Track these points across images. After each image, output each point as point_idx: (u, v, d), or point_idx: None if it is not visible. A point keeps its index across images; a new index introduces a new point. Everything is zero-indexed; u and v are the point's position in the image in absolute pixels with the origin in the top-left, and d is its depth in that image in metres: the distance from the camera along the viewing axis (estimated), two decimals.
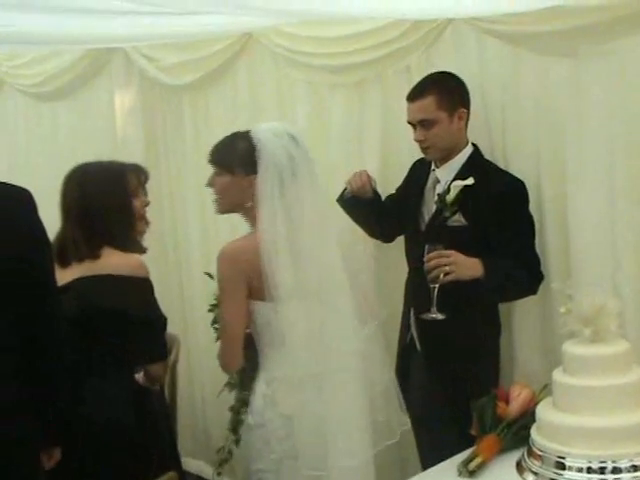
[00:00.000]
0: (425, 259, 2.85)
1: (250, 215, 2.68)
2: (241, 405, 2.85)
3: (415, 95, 3.05)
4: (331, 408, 2.58)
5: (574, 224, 2.93)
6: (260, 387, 2.64)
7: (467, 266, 2.86)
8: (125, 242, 2.85)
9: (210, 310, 2.94)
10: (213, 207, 2.81)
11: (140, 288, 2.80)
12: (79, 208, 2.84)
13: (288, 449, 2.56)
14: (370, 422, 2.64)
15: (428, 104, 3.01)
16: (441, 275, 2.82)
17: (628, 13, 2.59)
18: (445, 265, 2.81)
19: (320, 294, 2.60)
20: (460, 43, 3.24)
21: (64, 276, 2.77)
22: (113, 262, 2.78)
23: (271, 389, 2.61)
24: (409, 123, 3.10)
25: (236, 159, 2.66)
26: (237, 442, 2.88)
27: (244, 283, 2.59)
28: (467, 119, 3.09)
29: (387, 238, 3.42)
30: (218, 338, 2.74)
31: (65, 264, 2.80)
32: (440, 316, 2.86)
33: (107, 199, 2.85)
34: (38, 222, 2.36)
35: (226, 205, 2.75)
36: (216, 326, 2.78)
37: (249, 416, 2.66)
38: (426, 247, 2.87)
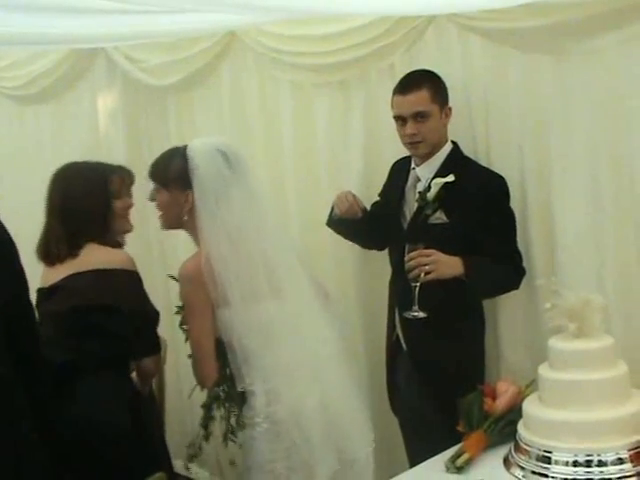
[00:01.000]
0: (406, 258, 2.86)
1: (193, 231, 2.76)
2: (212, 401, 2.86)
3: (410, 87, 3.03)
4: (330, 393, 2.74)
5: (559, 221, 2.95)
6: (258, 386, 2.68)
7: (448, 264, 2.87)
8: (113, 240, 2.90)
9: (177, 312, 2.98)
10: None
11: (131, 281, 2.81)
12: (62, 206, 2.85)
13: (298, 436, 2.67)
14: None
15: (424, 96, 3.01)
16: (422, 274, 2.83)
17: (609, 10, 2.61)
18: (426, 264, 2.83)
19: (283, 290, 2.71)
20: (443, 41, 3.24)
21: (52, 275, 2.80)
22: (102, 257, 2.79)
23: (271, 384, 2.69)
24: (398, 118, 3.07)
25: (172, 175, 2.74)
26: (207, 437, 2.91)
27: (207, 298, 2.65)
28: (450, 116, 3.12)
29: (380, 247, 3.40)
30: (187, 339, 2.77)
31: (52, 263, 2.82)
32: (421, 314, 2.87)
33: (88, 198, 2.87)
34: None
35: (168, 220, 2.83)
36: (184, 327, 2.81)
37: (252, 415, 2.70)
38: (407, 246, 2.88)
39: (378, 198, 3.40)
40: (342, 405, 2.75)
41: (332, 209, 3.32)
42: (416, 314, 2.88)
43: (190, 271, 2.68)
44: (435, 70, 3.11)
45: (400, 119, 3.06)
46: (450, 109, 3.08)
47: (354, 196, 3.24)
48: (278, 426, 2.68)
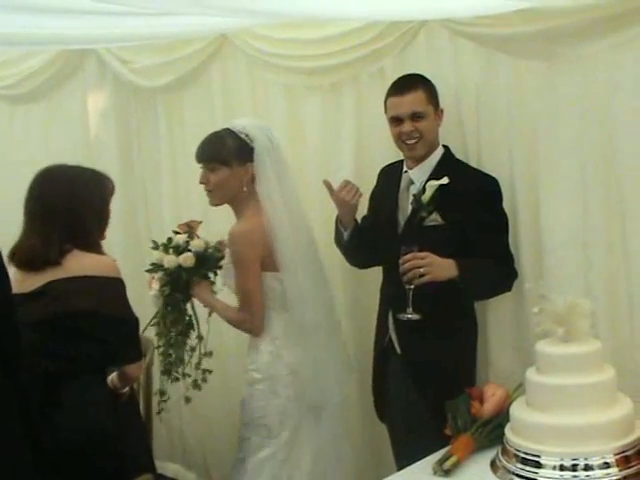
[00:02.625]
0: (400, 261, 2.87)
1: (241, 203, 3.09)
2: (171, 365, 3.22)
3: (407, 88, 3.07)
4: (324, 354, 3.14)
5: (547, 225, 2.96)
6: (266, 346, 3.08)
7: (442, 267, 2.87)
8: (96, 246, 2.87)
9: (148, 270, 3.24)
10: (208, 200, 3.18)
11: (115, 288, 2.80)
12: (56, 210, 2.80)
13: (292, 393, 3.07)
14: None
15: (420, 97, 3.05)
16: (417, 276, 2.84)
17: (600, 16, 2.63)
18: (420, 267, 2.83)
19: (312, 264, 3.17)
20: (434, 45, 3.26)
21: (32, 281, 2.76)
22: (86, 263, 2.77)
23: (275, 346, 3.08)
24: (394, 119, 3.08)
25: (231, 152, 3.05)
26: (173, 380, 3.25)
27: (258, 258, 3.03)
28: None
29: (363, 265, 3.42)
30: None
31: (35, 268, 2.77)
32: (415, 316, 2.89)
33: (93, 203, 2.87)
34: None
35: (223, 197, 3.13)
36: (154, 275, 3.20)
37: (254, 373, 3.10)
38: (402, 249, 2.88)
39: (367, 212, 3.38)
40: (329, 361, 3.16)
41: (336, 224, 3.31)
42: (410, 316, 2.89)
43: (246, 232, 3.03)
44: (426, 74, 3.13)
45: (396, 120, 3.08)
46: (442, 111, 3.11)
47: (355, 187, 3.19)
48: (276, 384, 3.06)
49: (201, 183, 3.13)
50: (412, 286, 2.85)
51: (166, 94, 4.22)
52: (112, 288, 2.79)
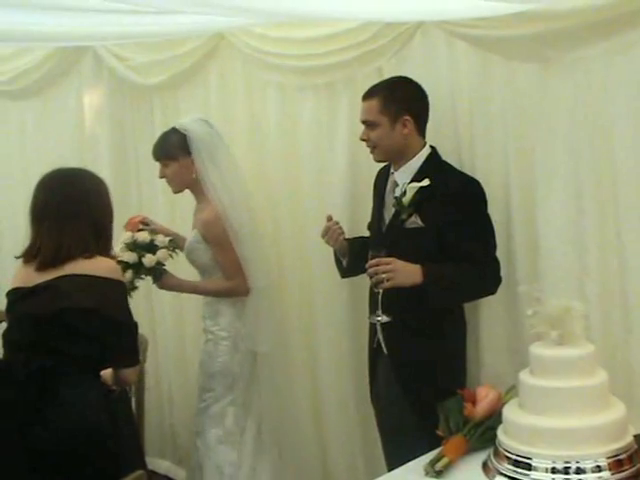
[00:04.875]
0: (366, 266, 2.89)
1: (196, 187, 3.61)
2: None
3: (364, 96, 3.12)
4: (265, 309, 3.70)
5: (542, 228, 2.96)
6: (228, 308, 3.62)
7: (406, 273, 2.87)
8: (109, 249, 2.92)
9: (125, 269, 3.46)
10: (169, 189, 3.69)
11: (117, 291, 2.82)
12: (73, 212, 2.81)
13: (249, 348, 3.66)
14: None
15: (372, 106, 3.07)
16: (381, 281, 2.85)
17: (599, 20, 2.63)
18: (384, 272, 2.85)
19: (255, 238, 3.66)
20: (430, 46, 3.26)
21: (35, 276, 2.78)
22: (90, 263, 2.78)
23: (235, 307, 3.64)
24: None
25: (176, 147, 3.56)
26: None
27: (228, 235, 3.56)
28: (418, 126, 3.09)
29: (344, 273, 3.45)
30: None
31: (42, 267, 2.78)
32: (385, 319, 2.91)
33: (108, 207, 2.92)
34: None
35: (180, 185, 3.65)
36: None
37: (220, 332, 3.62)
38: (369, 253, 2.90)
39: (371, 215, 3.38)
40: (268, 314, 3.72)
41: (338, 261, 3.37)
42: (379, 319, 2.92)
43: (215, 216, 3.53)
44: (421, 75, 3.13)
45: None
46: (409, 120, 3.05)
47: (336, 223, 3.28)
48: (237, 339, 3.62)
49: (161, 177, 3.65)
50: (380, 290, 2.87)
51: (162, 92, 4.22)
52: (113, 289, 2.80)
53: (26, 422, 2.48)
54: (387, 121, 3.05)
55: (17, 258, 2.89)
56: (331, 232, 3.27)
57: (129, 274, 3.49)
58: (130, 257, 3.50)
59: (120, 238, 3.51)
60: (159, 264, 3.56)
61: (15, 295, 2.85)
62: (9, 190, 4.80)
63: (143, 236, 3.57)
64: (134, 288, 3.53)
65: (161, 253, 3.56)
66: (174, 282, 3.66)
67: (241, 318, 3.65)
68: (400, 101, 3.06)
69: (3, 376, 2.35)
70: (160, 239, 3.60)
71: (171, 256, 3.61)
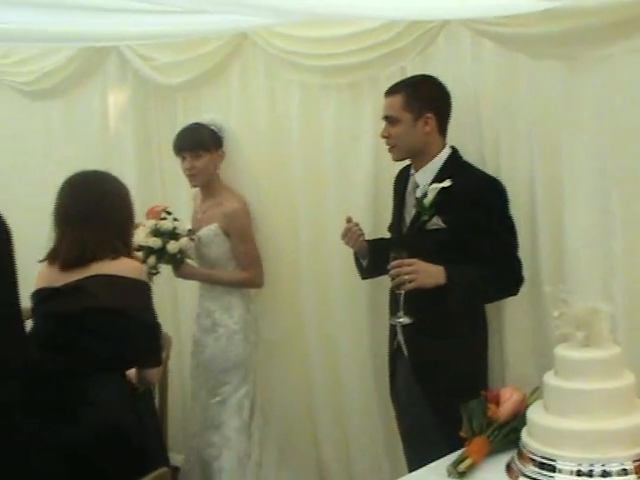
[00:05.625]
0: (388, 267, 2.88)
1: (214, 182, 3.72)
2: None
3: (388, 92, 3.11)
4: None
5: (567, 227, 2.94)
6: (238, 301, 3.74)
7: (428, 274, 2.87)
8: (130, 251, 2.95)
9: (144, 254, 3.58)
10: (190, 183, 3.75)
11: (142, 292, 2.85)
12: (98, 214, 2.83)
13: (257, 337, 3.81)
14: None
15: (395, 102, 3.06)
16: (403, 283, 2.84)
17: (624, 17, 2.60)
18: (406, 273, 2.84)
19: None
20: (455, 45, 3.25)
21: (62, 276, 2.80)
22: (116, 264, 2.80)
23: (245, 300, 3.76)
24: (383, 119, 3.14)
25: (209, 140, 3.66)
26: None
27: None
28: (440, 125, 3.08)
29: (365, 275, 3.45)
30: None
31: (68, 267, 2.80)
32: (407, 320, 2.90)
33: (130, 209, 2.95)
34: None
35: (204, 179, 3.71)
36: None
37: (234, 326, 3.71)
38: (391, 255, 2.89)
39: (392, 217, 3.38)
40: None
41: (357, 262, 3.37)
42: (401, 320, 2.91)
43: (240, 208, 3.67)
44: (446, 75, 3.12)
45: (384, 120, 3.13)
46: (431, 118, 3.04)
47: (356, 224, 3.27)
48: (248, 332, 3.74)
49: (187, 170, 3.68)
50: (402, 292, 2.86)
51: (185, 91, 4.23)
52: (139, 290, 2.83)
53: (54, 421, 2.49)
54: (409, 118, 3.03)
55: (40, 262, 2.91)
56: (351, 233, 3.26)
57: (152, 260, 3.59)
58: (155, 243, 3.60)
59: (142, 226, 3.57)
60: (181, 252, 3.64)
61: (40, 295, 2.86)
62: (34, 191, 4.82)
63: (166, 224, 3.66)
64: (157, 273, 3.64)
65: (184, 240, 3.65)
66: (191, 271, 3.77)
67: (250, 310, 3.78)
68: (424, 98, 3.05)
69: (33, 376, 2.36)
70: (182, 227, 3.69)
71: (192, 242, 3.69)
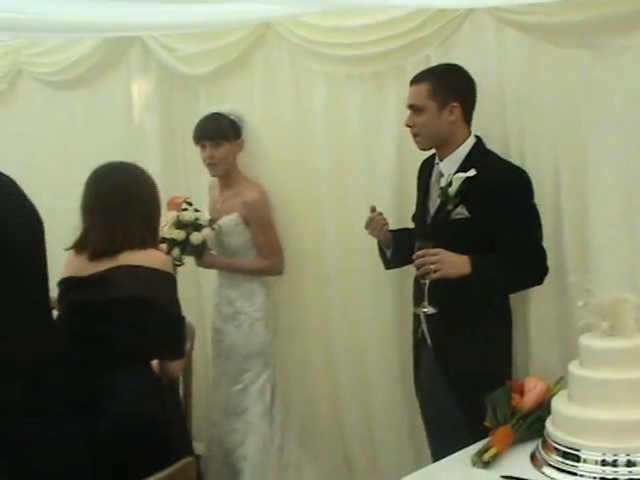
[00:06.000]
0: (413, 257, 2.88)
1: (232, 172, 3.75)
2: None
3: (413, 80, 3.10)
4: None
5: (592, 217, 2.92)
6: (259, 288, 3.79)
7: (453, 264, 2.86)
8: (157, 242, 2.98)
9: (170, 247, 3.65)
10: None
11: (168, 283, 2.86)
12: (126, 205, 2.85)
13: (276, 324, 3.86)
14: None
15: (420, 90, 3.05)
16: (428, 272, 2.84)
17: None
18: (431, 263, 2.83)
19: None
20: (479, 34, 3.23)
21: (89, 266, 2.83)
22: (142, 255, 2.82)
23: (266, 287, 3.82)
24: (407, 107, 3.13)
25: (229, 129, 3.70)
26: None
27: None
28: (465, 114, 3.07)
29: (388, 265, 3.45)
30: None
31: (95, 257, 2.82)
32: (431, 310, 2.90)
33: (157, 200, 2.98)
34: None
35: (224, 168, 3.74)
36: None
37: (255, 313, 3.76)
38: (416, 244, 2.89)
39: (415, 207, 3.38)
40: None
41: (382, 252, 3.36)
42: (426, 310, 2.91)
43: (261, 197, 3.71)
44: (470, 64, 3.10)
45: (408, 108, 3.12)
46: (457, 107, 3.03)
47: (380, 214, 3.28)
48: (269, 319, 3.80)
49: (207, 159, 3.71)
50: (426, 281, 2.86)
51: (209, 82, 4.23)
52: (165, 282, 2.84)
53: (79, 410, 2.51)
54: (435, 106, 3.03)
55: (67, 250, 2.93)
56: (375, 223, 3.26)
57: (176, 251, 3.64)
58: (179, 235, 3.65)
59: (163, 217, 3.56)
60: (204, 242, 3.70)
61: (67, 284, 2.89)
62: (58, 180, 4.86)
63: (188, 215, 3.70)
64: (181, 264, 3.70)
65: (206, 231, 3.70)
66: (213, 259, 3.82)
67: (270, 297, 3.83)
68: (449, 87, 3.04)
69: (58, 363, 2.39)
70: (203, 218, 3.75)
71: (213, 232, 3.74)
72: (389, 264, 3.41)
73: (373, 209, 3.27)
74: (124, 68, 4.59)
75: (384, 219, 3.27)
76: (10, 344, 2.24)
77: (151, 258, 2.82)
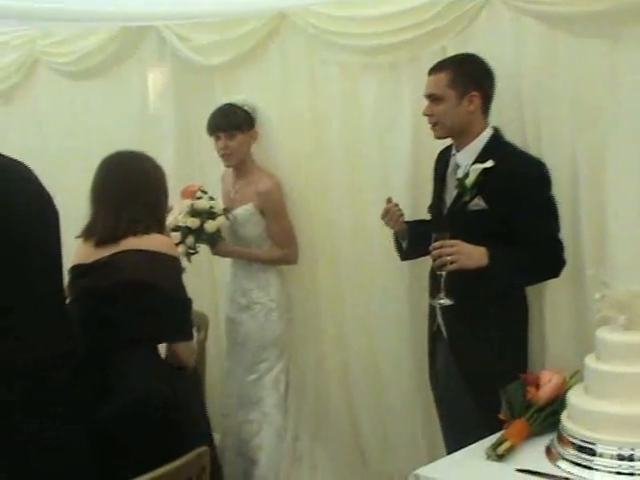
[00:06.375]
0: (430, 248, 2.87)
1: (246, 162, 3.77)
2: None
3: (432, 70, 3.08)
4: None
5: (610, 210, 2.90)
6: (275, 278, 3.81)
7: (471, 256, 2.85)
8: (163, 229, 2.97)
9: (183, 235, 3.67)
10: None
11: (173, 266, 2.87)
12: (133, 193, 2.87)
13: (291, 314, 3.90)
14: None
15: (439, 79, 3.03)
16: (445, 264, 2.83)
17: None
18: (448, 254, 2.82)
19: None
20: (496, 24, 3.21)
21: (94, 252, 2.84)
22: (146, 239, 2.82)
23: (281, 277, 3.84)
24: (425, 97, 3.11)
25: (242, 120, 3.71)
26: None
27: None
28: (484, 104, 3.05)
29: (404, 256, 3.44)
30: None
31: (101, 243, 2.84)
32: (448, 302, 2.89)
33: (164, 188, 2.99)
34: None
35: (237, 158, 3.75)
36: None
37: (271, 303, 3.78)
38: (433, 236, 2.88)
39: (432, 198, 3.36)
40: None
41: (397, 243, 3.35)
42: (442, 302, 2.90)
43: (275, 187, 3.74)
44: (487, 54, 3.08)
45: (426, 98, 3.10)
46: (477, 96, 3.02)
47: (396, 205, 3.26)
48: (283, 310, 3.81)
49: (222, 150, 3.72)
50: (443, 273, 2.85)
51: (224, 72, 4.23)
52: (169, 264, 2.85)
53: (88, 395, 2.52)
54: (454, 96, 3.01)
55: (77, 237, 2.95)
56: (391, 214, 3.25)
57: (190, 239, 3.65)
58: (193, 223, 3.66)
59: (178, 206, 3.60)
60: (218, 230, 3.70)
61: (75, 272, 2.90)
62: (73, 169, 4.86)
63: (202, 204, 3.71)
64: (195, 252, 3.71)
65: (221, 219, 3.70)
66: (228, 248, 3.81)
67: (285, 287, 3.85)
68: (469, 76, 3.02)
69: (60, 363, 2.39)
70: (218, 206, 3.75)
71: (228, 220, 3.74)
72: (405, 255, 3.40)
73: (389, 200, 3.26)
74: (139, 58, 4.58)
75: (400, 210, 3.27)
76: (12, 343, 2.22)
77: (154, 242, 2.83)
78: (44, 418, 2.24)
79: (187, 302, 2.91)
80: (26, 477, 2.21)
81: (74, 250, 2.93)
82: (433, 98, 3.05)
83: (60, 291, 2.45)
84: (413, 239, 3.28)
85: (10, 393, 2.19)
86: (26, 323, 2.25)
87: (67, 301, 2.86)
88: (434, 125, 3.09)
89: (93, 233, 2.88)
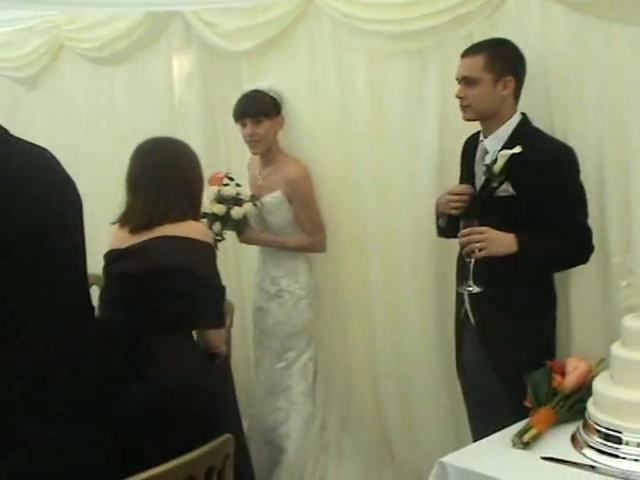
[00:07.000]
0: (459, 234, 2.87)
1: (273, 149, 3.76)
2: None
3: (467, 52, 3.06)
4: None
5: (636, 197, 2.88)
6: (303, 266, 3.82)
7: (500, 242, 2.84)
8: (198, 216, 3.01)
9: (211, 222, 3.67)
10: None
11: (207, 252, 2.88)
12: (175, 179, 2.89)
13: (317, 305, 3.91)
14: None
15: (475, 62, 3.00)
16: (474, 251, 2.82)
17: None
18: (477, 241, 2.81)
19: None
20: (524, 9, 3.19)
21: (130, 238, 2.87)
22: (181, 226, 2.84)
23: (309, 264, 3.84)
24: (457, 81, 3.08)
25: (269, 106, 3.70)
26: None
27: None
28: (517, 89, 3.04)
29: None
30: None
31: (137, 229, 2.86)
32: (476, 289, 2.89)
33: (199, 174, 3.02)
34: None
35: (265, 145, 3.74)
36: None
37: (299, 291, 3.79)
38: (461, 223, 2.87)
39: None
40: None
41: (437, 218, 3.30)
42: (470, 289, 2.90)
43: (304, 174, 3.72)
44: (514, 39, 3.06)
45: (458, 81, 3.07)
46: (511, 80, 3.00)
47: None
48: (312, 297, 3.82)
49: (249, 136, 3.71)
50: (472, 260, 2.84)
51: (250, 58, 4.22)
52: (204, 251, 2.86)
53: (121, 379, 2.54)
54: (490, 79, 2.98)
55: (112, 224, 2.97)
56: (447, 202, 3.16)
57: (217, 226, 3.66)
58: (219, 210, 3.67)
59: (205, 193, 3.57)
60: (245, 217, 3.71)
61: (110, 257, 2.94)
62: (100, 155, 4.89)
63: (229, 190, 3.71)
64: (222, 239, 3.71)
65: (248, 206, 3.71)
66: (256, 235, 3.81)
67: (313, 275, 3.85)
68: (506, 60, 3.00)
69: (99, 334, 2.40)
70: (245, 193, 3.75)
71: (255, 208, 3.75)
72: (441, 233, 3.34)
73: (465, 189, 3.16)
74: (165, 44, 4.60)
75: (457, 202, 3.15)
76: (12, 343, 2.19)
77: (189, 228, 2.84)
78: (44, 418, 2.22)
79: (221, 289, 2.92)
80: (26, 477, 2.19)
81: (101, 235, 2.95)
82: (467, 81, 3.02)
83: (80, 283, 2.41)
84: (450, 218, 3.23)
85: (10, 393, 2.17)
86: (26, 323, 2.22)
87: (102, 285, 2.91)
88: (467, 107, 3.06)
89: (129, 219, 2.90)
